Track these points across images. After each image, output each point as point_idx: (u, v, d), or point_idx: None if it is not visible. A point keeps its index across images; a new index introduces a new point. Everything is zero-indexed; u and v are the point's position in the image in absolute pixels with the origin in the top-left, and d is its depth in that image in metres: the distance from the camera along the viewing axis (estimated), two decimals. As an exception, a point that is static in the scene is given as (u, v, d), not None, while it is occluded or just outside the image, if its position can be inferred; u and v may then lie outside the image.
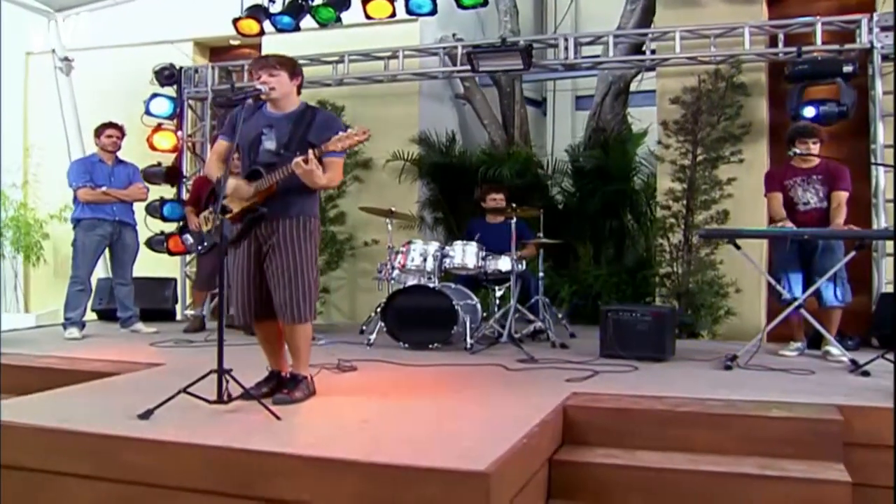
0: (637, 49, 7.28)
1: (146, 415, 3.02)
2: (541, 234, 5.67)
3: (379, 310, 5.46)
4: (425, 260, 5.32)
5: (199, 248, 6.34)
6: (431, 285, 5.20)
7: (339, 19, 7.19)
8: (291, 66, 3.46)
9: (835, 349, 4.71)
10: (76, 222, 5.75)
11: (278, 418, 3.02)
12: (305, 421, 3.11)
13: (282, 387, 3.50)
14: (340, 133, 3.27)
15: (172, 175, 7.39)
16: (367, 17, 7.00)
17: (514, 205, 5.48)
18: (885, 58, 5.69)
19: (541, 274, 5.69)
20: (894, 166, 4.84)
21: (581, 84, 11.63)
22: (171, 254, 7.38)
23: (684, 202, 6.36)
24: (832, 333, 4.74)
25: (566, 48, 6.52)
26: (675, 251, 6.46)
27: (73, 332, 5.62)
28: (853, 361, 4.29)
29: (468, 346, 5.04)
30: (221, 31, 8.47)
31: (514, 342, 5.00)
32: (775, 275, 4.92)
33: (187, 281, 7.86)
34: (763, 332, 4.59)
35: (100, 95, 8.27)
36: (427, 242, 5.49)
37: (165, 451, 2.72)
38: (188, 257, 7.86)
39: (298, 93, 3.51)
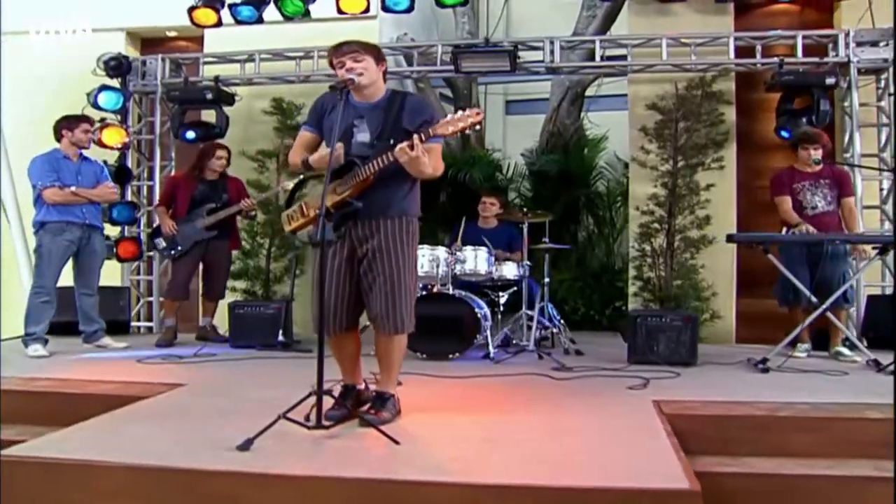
0: (591, 55, 7.37)
1: (246, 445, 2.67)
2: (546, 239, 5.58)
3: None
4: (437, 266, 5.10)
5: (173, 251, 5.88)
6: (453, 292, 4.99)
7: (307, 13, 6.83)
8: (376, 52, 3.17)
9: (847, 350, 4.92)
10: (40, 226, 5.10)
11: (397, 443, 2.74)
12: (426, 443, 2.84)
13: (360, 403, 3.22)
14: (449, 116, 3.00)
15: (122, 175, 6.75)
16: (340, 11, 6.69)
17: (525, 209, 5.37)
18: (860, 71, 6.01)
19: (546, 279, 5.59)
20: (894, 170, 5.09)
21: (512, 89, 11.69)
22: (121, 260, 6.74)
23: (667, 207, 6.47)
24: (841, 334, 4.95)
25: (552, 51, 6.47)
26: (656, 256, 6.54)
27: (38, 348, 4.99)
28: (876, 362, 4.48)
29: (491, 355, 4.88)
30: (155, 21, 7.97)
31: (540, 351, 4.90)
32: (783, 278, 5.06)
33: (131, 290, 7.21)
34: (794, 333, 4.71)
35: (23, 85, 7.48)
36: (434, 247, 5.26)
37: (305, 488, 2.40)
38: (132, 265, 7.22)
39: (384, 80, 3.23)
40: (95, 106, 6.56)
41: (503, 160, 8.83)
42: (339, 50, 3.13)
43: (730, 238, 4.71)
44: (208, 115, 7.32)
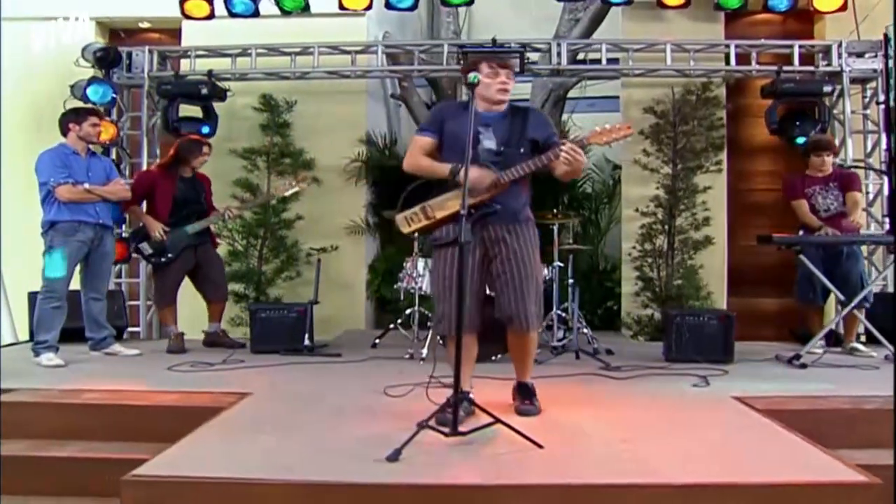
0: (574, 58, 7.47)
1: (395, 455, 2.58)
2: (571, 241, 5.62)
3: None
4: (471, 267, 5.05)
5: (163, 258, 5.54)
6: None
7: (307, 7, 6.64)
8: None
9: (861, 346, 5.18)
10: (50, 226, 4.75)
11: (540, 447, 2.71)
12: (567, 445, 2.80)
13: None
14: (598, 127, 3.15)
15: (113, 172, 6.35)
16: (342, 7, 6.54)
17: (555, 210, 5.39)
18: (851, 80, 6.33)
19: (570, 280, 5.61)
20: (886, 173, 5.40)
21: (473, 91, 11.71)
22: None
23: (667, 209, 6.63)
24: (856, 330, 5.21)
25: (559, 53, 6.52)
26: (656, 257, 6.70)
27: (52, 357, 4.64)
28: (898, 357, 4.72)
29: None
30: (128, 11, 7.61)
31: (584, 352, 4.96)
32: (803, 277, 5.27)
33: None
34: (824, 331, 4.92)
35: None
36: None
37: (495, 498, 2.34)
38: (115, 268, 6.81)
39: None
40: (83, 98, 6.18)
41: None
42: (500, 62, 3.22)
43: (763, 240, 4.84)
44: (185, 110, 7.01)
